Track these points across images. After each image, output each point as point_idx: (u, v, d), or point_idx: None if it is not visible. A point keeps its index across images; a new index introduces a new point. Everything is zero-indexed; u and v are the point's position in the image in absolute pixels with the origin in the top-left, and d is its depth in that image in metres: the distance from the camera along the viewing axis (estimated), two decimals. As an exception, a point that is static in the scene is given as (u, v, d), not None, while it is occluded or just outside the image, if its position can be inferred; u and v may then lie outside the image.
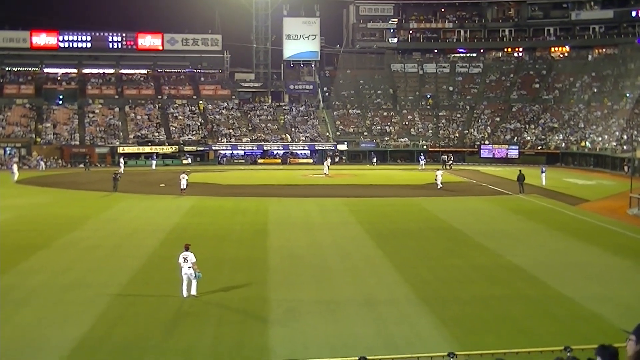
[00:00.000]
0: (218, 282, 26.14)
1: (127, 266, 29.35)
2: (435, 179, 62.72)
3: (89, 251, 33.06)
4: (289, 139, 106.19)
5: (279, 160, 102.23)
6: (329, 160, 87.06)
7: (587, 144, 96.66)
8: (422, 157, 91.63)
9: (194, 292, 24.21)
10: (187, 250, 24.52)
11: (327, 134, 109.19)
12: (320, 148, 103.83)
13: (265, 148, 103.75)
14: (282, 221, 42.93)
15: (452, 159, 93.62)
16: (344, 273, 28.39)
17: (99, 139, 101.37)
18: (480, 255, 31.95)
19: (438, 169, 67.67)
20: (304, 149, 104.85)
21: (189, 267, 24.14)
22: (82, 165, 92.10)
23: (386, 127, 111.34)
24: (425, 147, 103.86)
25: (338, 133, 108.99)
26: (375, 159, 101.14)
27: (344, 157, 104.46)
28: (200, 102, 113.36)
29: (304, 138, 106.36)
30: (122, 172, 76.64)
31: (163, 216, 45.26)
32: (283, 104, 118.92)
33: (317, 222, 42.84)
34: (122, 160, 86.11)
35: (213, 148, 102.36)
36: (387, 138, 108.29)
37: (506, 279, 27.40)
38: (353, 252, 32.73)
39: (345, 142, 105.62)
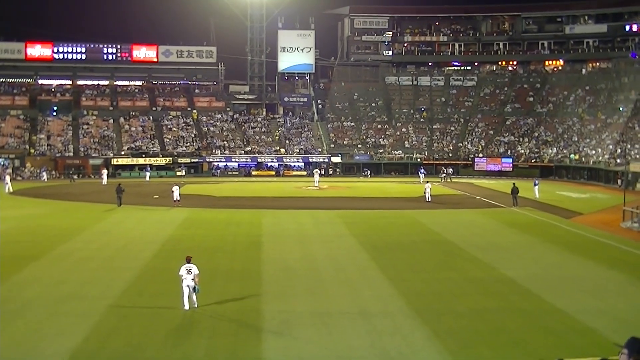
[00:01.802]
0: (212, 293, 26.04)
1: (121, 278, 29.22)
2: (425, 192, 62.84)
3: (83, 263, 32.91)
4: (283, 151, 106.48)
5: (273, 173, 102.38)
6: (319, 171, 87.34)
7: (572, 155, 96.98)
8: (422, 170, 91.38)
9: (194, 303, 24.22)
10: (189, 262, 24.51)
11: (321, 146, 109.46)
12: (315, 160, 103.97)
13: (259, 160, 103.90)
14: (276, 233, 42.85)
15: (452, 171, 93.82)
16: (338, 285, 28.34)
17: (92, 150, 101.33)
18: (474, 268, 31.91)
19: (427, 182, 67.74)
20: (297, 161, 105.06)
21: (192, 279, 24.15)
22: (75, 177, 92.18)
23: (380, 139, 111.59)
24: (419, 159, 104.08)
25: (332, 145, 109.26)
26: (368, 172, 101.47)
27: (337, 169, 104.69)
28: (194, 111, 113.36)
29: (298, 150, 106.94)
30: (105, 183, 77.54)
31: (157, 228, 45.14)
32: (277, 116, 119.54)
33: (311, 234, 42.80)
34: (104, 171, 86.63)
35: (207, 160, 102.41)
36: (381, 151, 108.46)
37: (500, 291, 27.35)
38: (347, 265, 32.66)
39: (340, 155, 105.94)
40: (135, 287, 27.85)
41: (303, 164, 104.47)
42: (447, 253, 36.10)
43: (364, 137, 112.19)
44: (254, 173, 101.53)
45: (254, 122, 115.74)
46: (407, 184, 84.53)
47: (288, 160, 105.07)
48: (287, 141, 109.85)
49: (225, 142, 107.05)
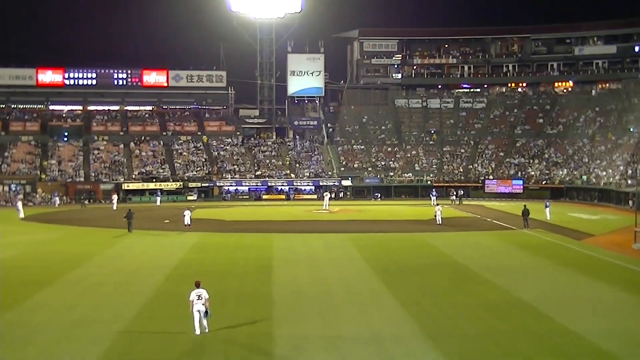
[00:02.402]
0: (223, 317, 25.96)
1: (132, 302, 29.15)
2: (435, 215, 62.71)
3: (94, 288, 32.85)
4: (293, 176, 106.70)
5: (284, 196, 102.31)
6: (329, 195, 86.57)
7: (583, 177, 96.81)
8: (434, 193, 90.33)
9: (205, 328, 24.17)
10: (198, 287, 24.47)
11: (332, 169, 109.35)
12: (325, 184, 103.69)
13: (269, 184, 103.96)
14: (287, 257, 42.70)
15: (462, 193, 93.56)
16: (350, 309, 28.21)
17: (103, 176, 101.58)
18: (486, 291, 31.73)
19: (437, 204, 67.41)
20: (308, 185, 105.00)
21: (202, 304, 24.12)
22: (87, 202, 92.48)
23: (390, 162, 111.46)
24: (430, 182, 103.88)
25: (342, 168, 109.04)
26: (379, 195, 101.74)
27: (348, 193, 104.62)
28: (204, 136, 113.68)
29: (308, 174, 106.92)
30: (115, 208, 77.81)
31: (168, 252, 45.10)
32: (287, 139, 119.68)
33: (321, 257, 42.67)
34: (114, 196, 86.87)
35: (217, 184, 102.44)
36: (391, 173, 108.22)
37: (512, 314, 27.18)
38: (359, 288, 32.51)
39: (350, 178, 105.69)
40: (146, 311, 27.77)
41: (313, 187, 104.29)
42: (459, 276, 35.91)
43: (374, 160, 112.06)
44: (264, 197, 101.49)
45: (264, 145, 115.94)
46: (417, 206, 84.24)
47: (298, 183, 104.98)
48: (297, 164, 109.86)
49: (236, 166, 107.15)
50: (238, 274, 36.67)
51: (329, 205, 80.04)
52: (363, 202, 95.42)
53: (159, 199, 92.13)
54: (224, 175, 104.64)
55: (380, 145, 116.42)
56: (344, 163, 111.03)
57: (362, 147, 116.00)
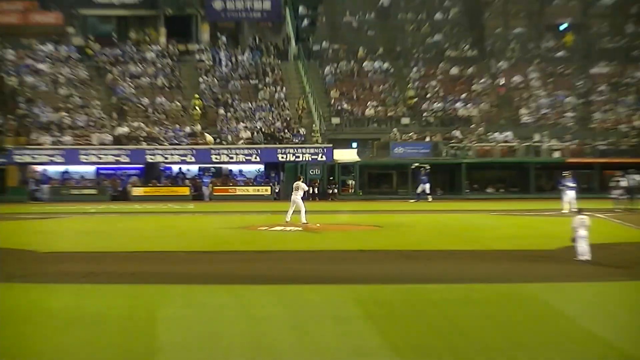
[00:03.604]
0: None
1: None
2: (574, 238, 28.48)
3: None
4: (211, 140, 57.03)
5: (188, 191, 56.95)
6: (301, 191, 37.39)
7: None
8: (570, 182, 41.79)
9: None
10: None
11: (311, 129, 58.12)
12: (290, 160, 56.16)
13: (149, 159, 56.25)
14: (198, 350, 15.05)
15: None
16: None
17: None
18: None
19: (579, 212, 30.82)
20: (248, 161, 57.10)
21: None
22: None
23: (456, 103, 60.55)
24: (559, 157, 57.92)
25: (336, 123, 59.62)
26: (427, 188, 51.66)
27: (352, 182, 57.77)
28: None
29: (248, 135, 57.82)
30: None
31: None
32: (198, 47, 66.20)
33: (284, 349, 14.89)
34: None
35: (16, 159, 55.76)
36: (458, 134, 58.18)
37: None
38: None
39: (355, 145, 58.82)
40: None
41: (263, 169, 58.52)
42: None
43: (418, 102, 60.70)
44: (134, 192, 56.08)
45: (135, 62, 63.22)
46: (524, 215, 45.20)
47: (226, 159, 56.54)
48: (223, 112, 59.40)
49: (64, 117, 58.88)
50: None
51: (305, 214, 36.39)
52: (388, 205, 52.12)
53: None
54: (32, 139, 57.28)
55: (431, 63, 63.65)
56: (337, 107, 59.93)
57: (386, 64, 63.59)
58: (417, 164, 53.90)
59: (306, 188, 37.95)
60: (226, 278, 23.60)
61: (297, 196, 36.63)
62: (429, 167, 52.65)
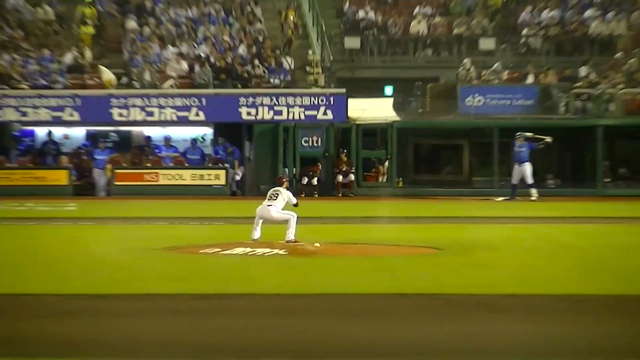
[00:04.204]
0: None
1: None
2: None
3: None
4: (113, 80, 35.60)
5: (64, 177, 35.17)
6: (281, 200, 20.16)
7: None
8: None
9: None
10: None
11: (309, 54, 37.61)
12: (262, 118, 34.93)
13: None
14: None
15: None
16: None
17: None
18: None
19: None
20: (183, 120, 35.06)
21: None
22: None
23: (586, 11, 39.13)
24: None
25: (353, 43, 39.08)
26: (529, 174, 31.14)
27: (381, 165, 36.20)
28: None
29: (184, 70, 36.07)
30: None
31: None
32: None
33: None
34: None
35: None
36: (586, 71, 36.92)
37: None
38: None
39: (391, 91, 38.51)
40: None
41: (209, 138, 37.41)
42: None
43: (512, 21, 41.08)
44: None
45: None
46: None
47: (140, 113, 35.14)
48: (133, 30, 37.47)
49: None
50: None
51: (294, 225, 19.75)
52: (455, 206, 32.88)
53: None
54: None
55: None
56: (359, 17, 39.65)
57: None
58: (521, 133, 31.79)
59: (292, 198, 19.80)
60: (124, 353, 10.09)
61: (273, 208, 19.99)
62: (540, 139, 31.09)
